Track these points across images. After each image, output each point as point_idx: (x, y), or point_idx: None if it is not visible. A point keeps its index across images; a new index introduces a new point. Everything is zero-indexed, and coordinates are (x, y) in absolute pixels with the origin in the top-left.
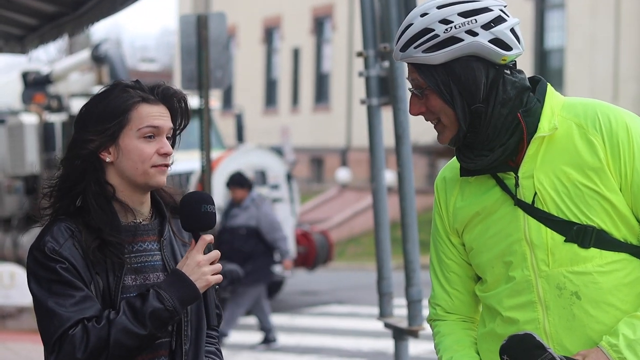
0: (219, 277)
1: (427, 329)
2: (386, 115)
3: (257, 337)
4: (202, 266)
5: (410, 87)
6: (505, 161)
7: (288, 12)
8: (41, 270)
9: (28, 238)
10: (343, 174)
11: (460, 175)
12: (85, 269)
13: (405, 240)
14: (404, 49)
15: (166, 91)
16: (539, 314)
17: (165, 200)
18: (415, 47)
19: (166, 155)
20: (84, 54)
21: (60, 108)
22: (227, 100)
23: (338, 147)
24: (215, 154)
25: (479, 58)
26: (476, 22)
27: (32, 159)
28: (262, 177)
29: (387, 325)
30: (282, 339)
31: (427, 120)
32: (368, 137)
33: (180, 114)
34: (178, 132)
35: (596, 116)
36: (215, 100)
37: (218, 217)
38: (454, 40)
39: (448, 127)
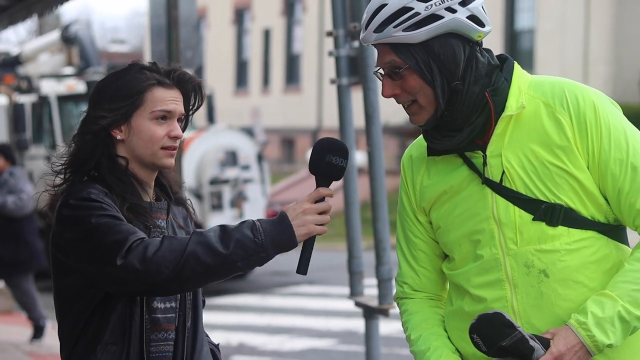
0: (323, 228)
1: (397, 307)
2: (356, 97)
3: (230, 317)
4: (307, 214)
5: (379, 70)
6: (473, 140)
7: None
8: (85, 210)
9: None
10: None
11: (428, 155)
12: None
13: (375, 219)
14: (379, 29)
15: (182, 76)
16: (507, 292)
17: (170, 184)
18: (394, 27)
19: (176, 138)
20: (54, 35)
21: (30, 89)
22: None
23: (309, 128)
24: (185, 134)
25: (457, 35)
26: None
27: (1, 140)
28: (232, 157)
29: (357, 304)
30: (253, 319)
31: (399, 102)
32: (338, 117)
33: (193, 97)
34: (190, 113)
35: (564, 95)
36: None
37: None
38: (435, 17)
39: (425, 107)
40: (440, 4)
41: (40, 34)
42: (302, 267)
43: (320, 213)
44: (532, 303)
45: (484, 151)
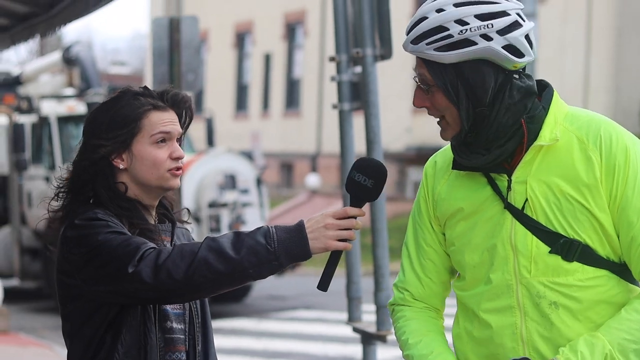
0: (345, 244)
1: (394, 333)
2: (357, 122)
3: (226, 341)
4: (329, 229)
5: (415, 78)
6: (501, 163)
7: (260, 17)
8: (91, 229)
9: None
10: (313, 180)
11: (452, 168)
12: None
13: (375, 245)
14: (415, 42)
15: (175, 97)
16: (517, 319)
17: (172, 205)
18: (427, 44)
19: (178, 158)
20: (55, 56)
21: (30, 109)
22: (198, 104)
23: (308, 153)
24: (185, 157)
25: (490, 62)
26: (492, 26)
27: (1, 160)
28: (231, 181)
29: (355, 329)
30: (250, 343)
31: (430, 114)
32: (339, 142)
33: (186, 116)
34: (183, 133)
35: (599, 133)
36: None
37: None
38: (468, 42)
39: (451, 125)
40: (476, 29)
41: (41, 54)
42: (323, 284)
43: (345, 229)
44: (541, 333)
45: (509, 175)
